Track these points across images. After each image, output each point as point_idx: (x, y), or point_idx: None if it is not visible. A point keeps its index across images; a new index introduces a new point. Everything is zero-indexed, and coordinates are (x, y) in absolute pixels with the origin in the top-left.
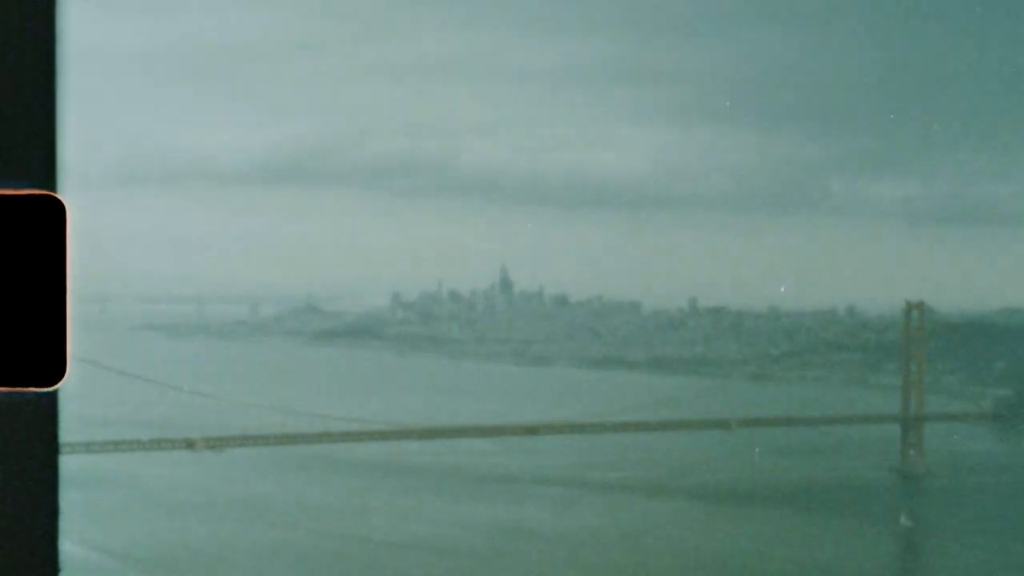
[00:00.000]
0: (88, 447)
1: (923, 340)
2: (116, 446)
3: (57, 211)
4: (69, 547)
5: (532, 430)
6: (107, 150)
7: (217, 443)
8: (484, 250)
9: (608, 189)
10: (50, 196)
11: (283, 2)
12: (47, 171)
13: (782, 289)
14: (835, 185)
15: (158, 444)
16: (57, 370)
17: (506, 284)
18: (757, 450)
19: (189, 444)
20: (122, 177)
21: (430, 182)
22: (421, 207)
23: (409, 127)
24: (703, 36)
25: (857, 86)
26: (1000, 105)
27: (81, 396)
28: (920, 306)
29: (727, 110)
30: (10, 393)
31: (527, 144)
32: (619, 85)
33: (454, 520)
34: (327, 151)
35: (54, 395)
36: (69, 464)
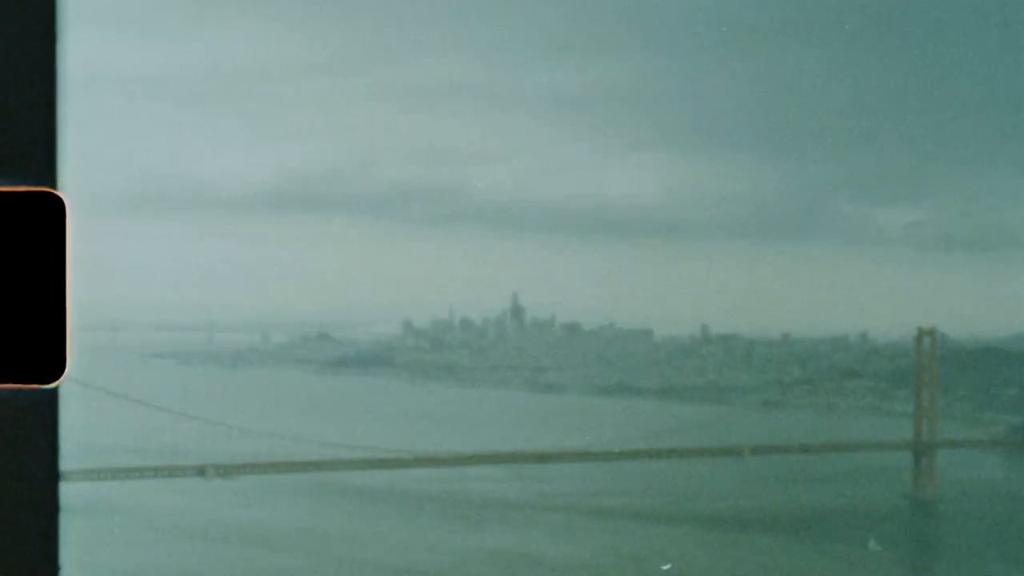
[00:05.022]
0: (99, 474)
1: (935, 366)
2: (127, 473)
3: (57, 208)
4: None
5: (543, 457)
6: (115, 176)
7: (227, 470)
8: (496, 277)
9: (620, 216)
10: (50, 193)
11: (293, 26)
12: (47, 168)
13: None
14: (846, 211)
15: (169, 471)
16: (57, 367)
17: (517, 311)
18: (768, 477)
19: (200, 471)
20: (130, 203)
21: (441, 209)
22: (432, 234)
23: (420, 153)
24: (714, 61)
25: (868, 111)
26: (1010, 129)
27: (92, 424)
28: (932, 332)
29: (738, 136)
30: (10, 390)
31: (539, 170)
32: (631, 110)
33: (456, 546)
34: (337, 177)
35: (54, 392)
36: (78, 492)
